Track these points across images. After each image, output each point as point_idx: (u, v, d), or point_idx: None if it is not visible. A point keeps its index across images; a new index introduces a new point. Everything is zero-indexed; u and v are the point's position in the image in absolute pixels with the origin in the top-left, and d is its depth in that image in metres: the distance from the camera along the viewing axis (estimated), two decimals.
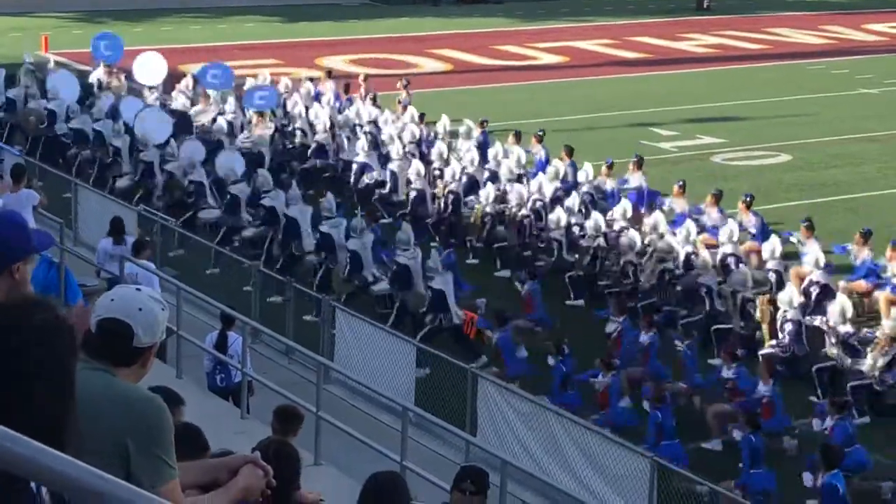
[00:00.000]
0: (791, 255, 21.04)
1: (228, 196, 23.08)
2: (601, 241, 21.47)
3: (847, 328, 18.46)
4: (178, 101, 29.36)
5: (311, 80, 31.94)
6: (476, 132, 26.78)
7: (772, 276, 20.43)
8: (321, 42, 42.85)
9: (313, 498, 8.71)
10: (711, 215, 22.23)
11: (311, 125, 27.71)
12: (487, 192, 23.59)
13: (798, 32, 48.13)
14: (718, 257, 20.57)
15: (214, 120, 28.22)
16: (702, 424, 16.93)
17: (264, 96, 28.65)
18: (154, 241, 20.13)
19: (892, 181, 27.89)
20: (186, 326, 15.99)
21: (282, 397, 13.45)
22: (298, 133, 27.83)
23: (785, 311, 18.79)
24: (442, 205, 24.23)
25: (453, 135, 26.69)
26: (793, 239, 21.50)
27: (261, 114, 28.06)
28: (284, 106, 29.30)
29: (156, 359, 4.74)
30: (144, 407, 4.24)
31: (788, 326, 18.68)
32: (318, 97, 29.87)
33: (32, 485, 2.91)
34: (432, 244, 21.60)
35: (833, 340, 18.31)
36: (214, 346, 15.88)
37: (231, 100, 29.10)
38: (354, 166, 25.85)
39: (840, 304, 18.62)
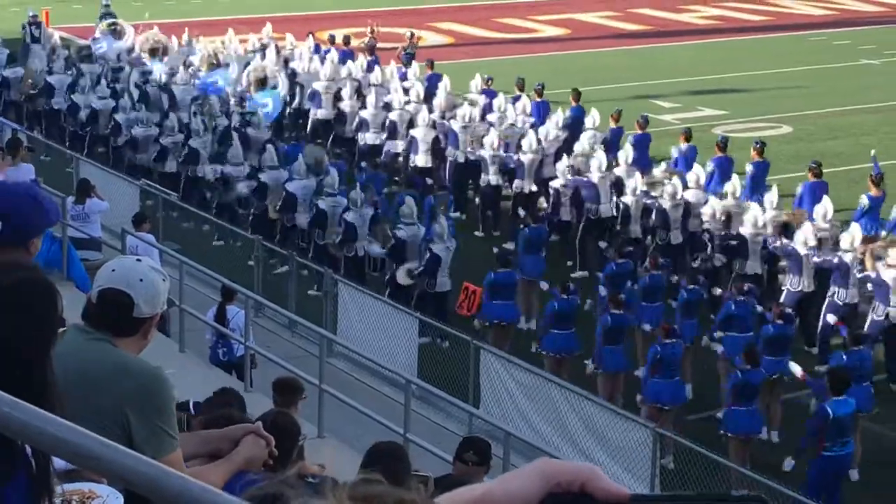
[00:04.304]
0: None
1: (221, 174, 22.84)
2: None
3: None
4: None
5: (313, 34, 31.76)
6: (481, 87, 26.95)
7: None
8: (319, 16, 42.63)
9: (316, 470, 8.76)
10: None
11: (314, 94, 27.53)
12: (491, 139, 23.58)
13: (800, 3, 47.88)
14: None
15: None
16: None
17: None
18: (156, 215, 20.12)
19: (894, 152, 27.79)
20: (189, 300, 16.02)
21: (285, 370, 13.48)
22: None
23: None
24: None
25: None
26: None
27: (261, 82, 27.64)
28: (286, 63, 29.18)
29: (158, 332, 4.75)
30: (144, 377, 4.26)
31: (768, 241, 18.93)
32: (318, 49, 29.87)
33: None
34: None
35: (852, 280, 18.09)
36: (214, 320, 15.88)
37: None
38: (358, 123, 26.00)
39: (851, 235, 18.39)
